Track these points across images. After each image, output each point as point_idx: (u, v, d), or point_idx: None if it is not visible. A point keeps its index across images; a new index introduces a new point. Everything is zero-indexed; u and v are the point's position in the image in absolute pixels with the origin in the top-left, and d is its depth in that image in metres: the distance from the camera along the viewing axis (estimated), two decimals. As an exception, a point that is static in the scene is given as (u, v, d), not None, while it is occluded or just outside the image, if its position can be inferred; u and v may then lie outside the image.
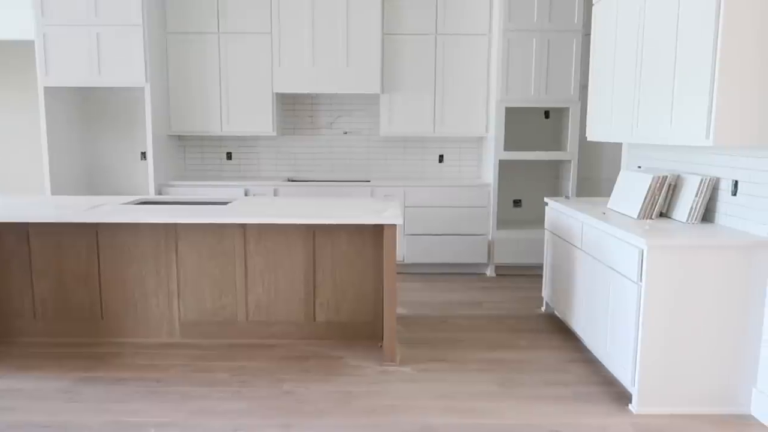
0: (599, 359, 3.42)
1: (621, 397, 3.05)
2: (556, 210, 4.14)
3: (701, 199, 3.13)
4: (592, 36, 4.18)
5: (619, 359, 3.04)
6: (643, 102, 3.37)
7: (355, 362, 3.47)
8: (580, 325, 3.64)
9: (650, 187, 3.32)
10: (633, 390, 2.89)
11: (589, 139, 4.24)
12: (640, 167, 4.08)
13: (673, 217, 3.30)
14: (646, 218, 3.32)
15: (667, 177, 3.32)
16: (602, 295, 3.25)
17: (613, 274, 3.10)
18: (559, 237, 4.04)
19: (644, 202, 3.32)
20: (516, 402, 3.00)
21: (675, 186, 3.35)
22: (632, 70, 3.51)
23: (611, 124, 3.83)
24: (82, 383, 3.17)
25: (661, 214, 3.41)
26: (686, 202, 3.21)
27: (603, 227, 3.24)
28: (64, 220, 3.36)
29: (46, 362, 3.44)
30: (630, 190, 3.54)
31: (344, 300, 3.78)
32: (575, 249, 3.71)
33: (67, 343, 3.71)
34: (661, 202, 3.34)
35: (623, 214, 3.48)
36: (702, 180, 3.13)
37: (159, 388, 3.11)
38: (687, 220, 3.16)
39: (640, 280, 2.81)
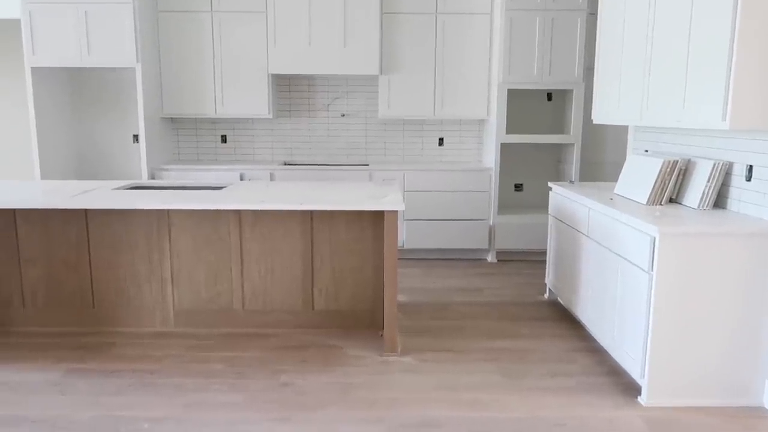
0: (606, 349, 3.33)
1: (629, 388, 2.96)
2: (560, 195, 4.03)
3: (713, 184, 3.03)
4: (598, 14, 4.04)
5: (627, 350, 2.95)
6: (653, 83, 3.25)
7: (354, 352, 3.38)
8: (585, 313, 3.55)
9: (660, 171, 3.20)
10: (642, 382, 2.81)
11: (595, 122, 4.11)
12: (647, 151, 3.96)
13: (684, 203, 3.20)
14: (656, 204, 3.22)
15: (677, 161, 3.20)
16: (610, 284, 3.15)
17: (622, 262, 3.00)
18: (564, 223, 3.93)
19: (654, 187, 3.21)
20: (520, 393, 2.92)
21: (685, 171, 3.24)
22: (642, 49, 3.37)
23: (619, 106, 3.71)
24: (73, 375, 3.07)
25: (671, 200, 3.30)
26: (698, 188, 3.10)
27: (611, 213, 3.13)
28: (51, 206, 3.23)
29: (36, 353, 3.34)
30: (638, 175, 3.42)
31: (343, 287, 3.68)
32: (581, 235, 3.61)
33: (57, 333, 3.61)
34: (671, 188, 3.23)
35: (631, 200, 3.37)
36: (714, 164, 3.02)
37: (153, 380, 3.02)
38: (698, 206, 3.06)
39: (651, 269, 2.70)
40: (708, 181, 3.04)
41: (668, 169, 3.20)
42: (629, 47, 3.56)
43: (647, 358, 2.75)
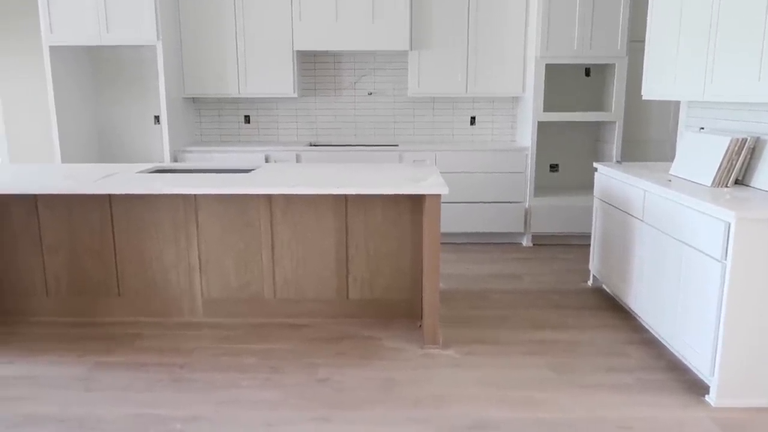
0: (663, 341, 3.11)
1: (693, 386, 2.74)
2: (607, 176, 3.77)
3: (789, 164, 2.76)
4: (652, -19, 3.73)
5: (692, 344, 2.72)
6: (720, 54, 2.96)
7: (393, 344, 3.19)
8: (638, 302, 3.32)
9: (728, 150, 2.94)
10: (711, 380, 2.58)
11: (645, 98, 3.83)
12: (702, 129, 3.68)
13: (753, 185, 2.93)
14: (722, 186, 2.96)
15: (746, 140, 2.93)
16: (672, 273, 2.91)
17: (687, 249, 2.75)
18: (613, 206, 3.68)
19: (720, 168, 2.95)
20: (575, 391, 2.71)
21: (753, 149, 2.97)
22: (706, 16, 3.09)
23: (675, 80, 3.43)
24: (100, 369, 2.92)
25: (737, 182, 3.04)
26: (770, 168, 2.83)
27: (673, 197, 2.88)
28: (74, 192, 3.06)
29: (61, 345, 3.20)
30: (700, 155, 3.16)
31: (379, 275, 3.48)
32: (634, 220, 3.36)
33: (82, 323, 3.46)
34: (738, 169, 2.96)
35: (693, 182, 3.11)
36: (790, 142, 2.75)
37: (183, 375, 2.85)
38: (771, 189, 2.80)
39: (725, 258, 2.46)
40: (783, 161, 2.77)
41: (736, 148, 2.94)
42: (690, 13, 3.26)
43: (718, 354, 2.52)
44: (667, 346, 3.06)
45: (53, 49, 4.87)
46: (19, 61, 5.63)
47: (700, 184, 3.03)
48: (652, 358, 3.04)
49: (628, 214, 3.44)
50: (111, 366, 2.95)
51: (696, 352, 2.69)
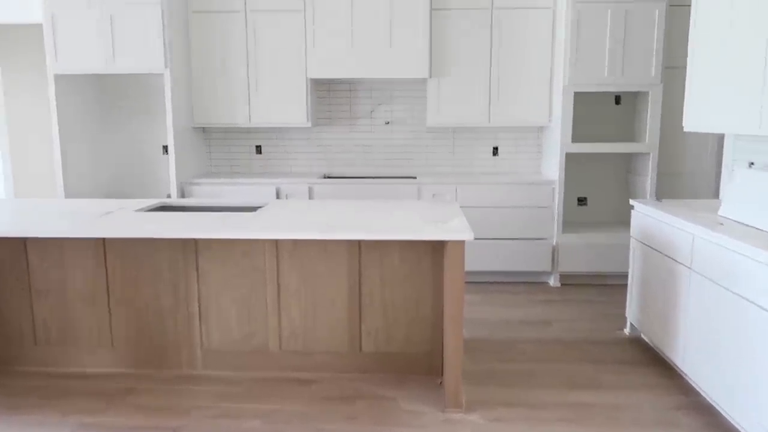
0: (719, 407, 2.73)
1: (760, 466, 2.36)
2: (646, 215, 3.43)
3: None
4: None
5: (759, 418, 2.35)
6: (779, 83, 2.64)
7: (410, 406, 2.85)
8: (687, 360, 2.95)
9: (791, 192, 2.60)
10: (784, 464, 2.21)
11: (686, 129, 3.50)
12: (752, 164, 3.34)
13: (821, 231, 2.58)
14: (785, 232, 2.61)
15: (813, 180, 2.59)
16: (729, 331, 2.55)
17: (750, 306, 2.40)
18: (653, 249, 3.33)
19: (782, 211, 2.61)
20: (622, 470, 2.35)
21: (820, 191, 2.63)
22: (762, 38, 2.77)
23: (722, 110, 3.10)
24: (84, 433, 2.62)
25: (801, 227, 2.69)
26: (842, 213, 2.48)
27: (730, 244, 2.53)
28: (62, 235, 2.80)
29: (46, 401, 2.90)
30: (756, 194, 2.81)
31: (396, 326, 3.16)
32: (681, 267, 3.01)
33: (71, 374, 3.18)
34: (804, 212, 2.62)
35: (749, 226, 2.76)
36: None
37: (175, 443, 2.55)
38: None
39: (800, 322, 2.11)
40: None
41: (801, 190, 2.59)
42: (739, 35, 2.95)
43: (792, 434, 2.15)
44: (725, 414, 2.68)
45: (58, 78, 4.69)
46: (23, 86, 5.48)
47: (759, 230, 2.68)
48: (707, 428, 2.66)
49: (673, 259, 3.09)
50: (98, 429, 2.65)
51: (764, 428, 2.32)
